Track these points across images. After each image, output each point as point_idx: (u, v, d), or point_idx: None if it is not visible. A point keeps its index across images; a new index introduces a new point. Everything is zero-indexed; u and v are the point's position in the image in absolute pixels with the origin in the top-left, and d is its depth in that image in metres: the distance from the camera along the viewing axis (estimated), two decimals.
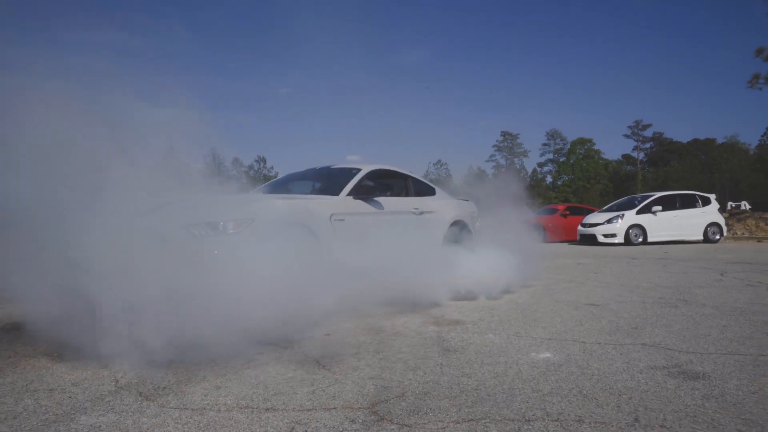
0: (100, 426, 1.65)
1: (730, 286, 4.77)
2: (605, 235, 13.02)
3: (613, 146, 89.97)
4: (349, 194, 4.49)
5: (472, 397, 1.87)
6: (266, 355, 2.47)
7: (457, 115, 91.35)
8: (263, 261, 2.89)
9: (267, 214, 3.55)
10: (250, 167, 59.32)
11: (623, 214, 13.06)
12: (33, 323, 2.70)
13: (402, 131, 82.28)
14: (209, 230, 3.17)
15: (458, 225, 5.66)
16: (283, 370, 2.24)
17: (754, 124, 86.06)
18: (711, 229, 13.27)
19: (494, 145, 66.52)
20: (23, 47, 2.84)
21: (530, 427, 1.61)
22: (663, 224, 12.98)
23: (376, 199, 4.64)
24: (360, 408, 1.78)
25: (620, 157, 65.86)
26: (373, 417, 1.70)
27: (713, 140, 58.22)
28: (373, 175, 4.96)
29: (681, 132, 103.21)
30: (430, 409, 1.76)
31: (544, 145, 65.69)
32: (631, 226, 12.89)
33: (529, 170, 65.86)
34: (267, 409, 1.77)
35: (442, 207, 5.55)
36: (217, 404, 1.83)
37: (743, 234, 17.24)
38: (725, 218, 14.85)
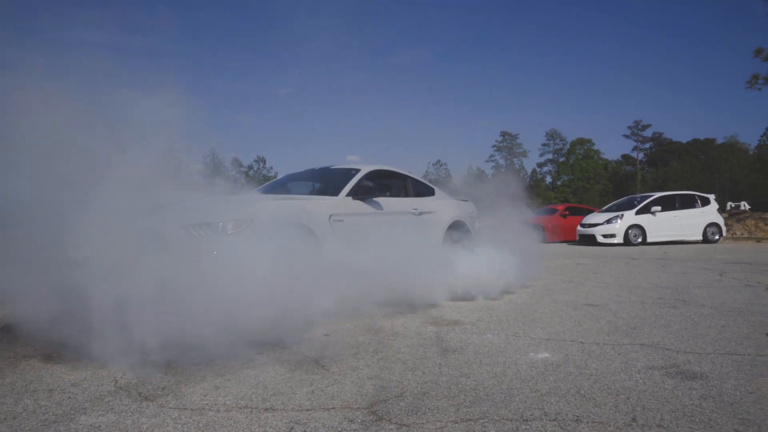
0: (100, 426, 1.65)
1: (728, 287, 4.78)
2: (604, 236, 13.03)
3: (613, 146, 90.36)
4: (348, 195, 4.49)
5: (471, 397, 1.88)
6: (265, 356, 2.48)
7: (457, 115, 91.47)
8: (262, 261, 2.89)
9: (266, 214, 3.55)
10: (250, 167, 59.33)
11: (622, 215, 13.07)
12: (32, 324, 2.70)
13: (401, 131, 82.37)
14: (208, 231, 3.18)
15: (457, 225, 5.67)
16: (282, 370, 2.25)
17: (753, 124, 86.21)
18: (710, 230, 13.28)
19: (494, 146, 66.62)
20: (22, 47, 2.84)
21: (528, 426, 1.61)
22: (662, 224, 12.99)
23: (375, 199, 4.65)
24: (359, 408, 1.79)
25: (620, 158, 65.95)
26: (371, 417, 1.70)
27: (713, 140, 58.27)
28: (372, 175, 4.97)
29: (680, 132, 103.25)
30: (429, 409, 1.77)
31: (544, 145, 65.78)
32: (631, 227, 12.90)
33: (529, 170, 65.94)
34: (266, 409, 1.78)
35: (441, 207, 5.55)
36: (216, 404, 1.84)
37: (742, 234, 17.25)
38: (724, 218, 14.87)
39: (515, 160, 66.14)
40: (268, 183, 5.97)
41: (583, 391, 1.93)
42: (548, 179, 64.76)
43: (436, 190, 5.83)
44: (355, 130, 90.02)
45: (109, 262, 2.48)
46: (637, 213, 13.07)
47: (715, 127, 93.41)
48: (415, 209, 5.16)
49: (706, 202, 13.57)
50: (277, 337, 2.76)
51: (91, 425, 1.66)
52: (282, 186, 5.40)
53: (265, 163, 60.18)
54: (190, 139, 3.65)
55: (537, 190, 55.44)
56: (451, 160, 58.51)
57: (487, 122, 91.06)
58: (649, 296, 4.26)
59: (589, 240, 13.45)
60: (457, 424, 1.63)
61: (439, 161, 60.29)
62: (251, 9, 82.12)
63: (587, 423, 1.63)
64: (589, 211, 16.21)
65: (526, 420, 1.66)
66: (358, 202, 4.50)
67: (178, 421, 1.68)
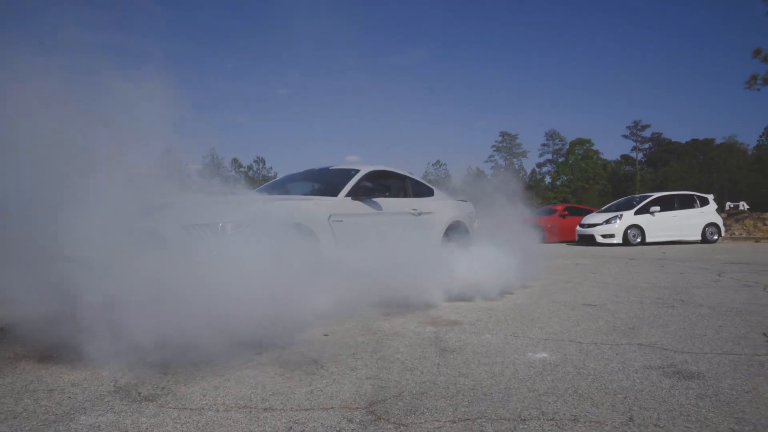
0: (100, 426, 1.66)
1: (726, 287, 4.79)
2: (604, 236, 13.06)
3: (612, 147, 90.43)
4: (347, 195, 4.50)
5: (469, 397, 1.89)
6: (265, 356, 2.48)
7: (456, 116, 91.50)
8: (262, 262, 2.90)
9: (266, 215, 3.56)
10: (249, 168, 59.33)
11: (621, 215, 13.09)
12: (31, 324, 2.71)
13: (401, 131, 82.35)
14: (208, 231, 3.19)
15: (456, 226, 5.68)
16: (281, 370, 2.26)
17: (752, 124, 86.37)
18: (709, 230, 13.31)
19: (493, 146, 66.69)
20: (20, 46, 2.84)
21: (526, 426, 1.62)
22: (661, 225, 13.01)
23: (374, 200, 4.66)
24: (357, 408, 1.80)
25: (619, 158, 66.04)
26: (370, 417, 1.71)
27: (712, 140, 58.34)
28: (372, 176, 4.98)
29: (680, 132, 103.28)
30: (427, 408, 1.78)
31: (543, 145, 65.88)
32: (630, 227, 12.92)
33: (528, 171, 65.99)
34: (265, 409, 1.79)
35: (440, 208, 5.56)
36: (215, 404, 1.84)
37: (741, 234, 17.28)
38: (723, 218, 14.90)
39: (515, 160, 66.21)
40: (267, 183, 5.97)
41: (580, 391, 1.94)
42: (547, 179, 64.83)
43: (436, 190, 5.84)
44: (355, 130, 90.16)
45: (108, 263, 2.49)
46: (636, 213, 13.09)
47: (714, 128, 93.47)
48: (415, 210, 5.17)
49: (704, 202, 13.60)
50: (277, 337, 2.77)
51: (90, 425, 1.67)
52: (281, 186, 5.41)
53: (264, 164, 60.20)
54: (189, 140, 3.66)
55: (536, 190, 55.47)
56: (450, 160, 58.55)
57: (486, 122, 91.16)
58: (648, 296, 4.27)
59: (588, 240, 13.47)
60: (455, 424, 1.64)
61: (438, 161, 60.36)
62: (251, 9, 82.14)
63: (584, 422, 1.64)
64: (588, 212, 16.23)
65: (524, 419, 1.67)
66: (358, 203, 4.51)
67: (178, 421, 1.69)
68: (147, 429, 1.63)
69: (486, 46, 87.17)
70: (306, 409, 1.78)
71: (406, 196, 5.36)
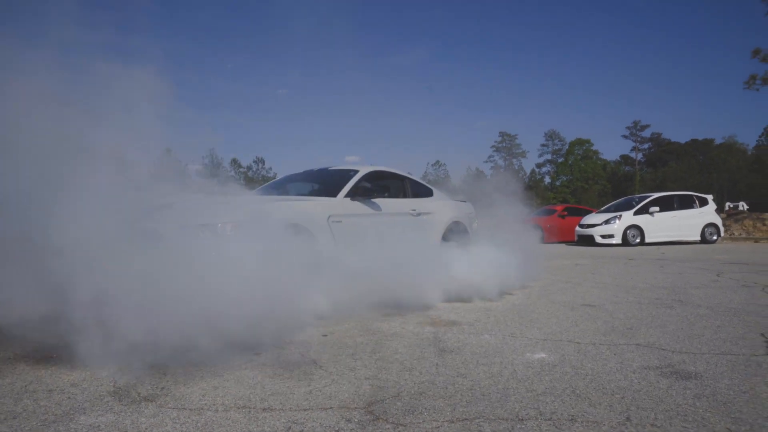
0: (99, 426, 1.67)
1: (725, 287, 4.80)
2: (603, 236, 13.07)
3: (612, 147, 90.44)
4: (346, 196, 4.51)
5: (467, 397, 1.89)
6: (264, 356, 2.49)
7: (456, 116, 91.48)
8: (261, 262, 2.91)
9: (266, 215, 3.57)
10: (249, 168, 59.32)
11: (621, 215, 13.11)
12: (30, 324, 2.72)
13: (401, 131, 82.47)
14: (207, 232, 3.20)
15: (456, 226, 5.69)
16: (280, 370, 2.26)
17: (751, 124, 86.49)
18: (708, 230, 13.32)
19: (492, 146, 66.70)
20: (20, 45, 2.85)
21: (523, 426, 1.63)
22: (660, 225, 13.03)
23: (373, 200, 4.67)
24: (356, 408, 1.80)
25: (618, 158, 66.07)
26: (368, 416, 1.72)
27: (711, 141, 58.36)
28: (371, 176, 4.99)
29: (679, 132, 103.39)
30: (425, 408, 1.79)
31: (543, 145, 65.90)
32: (629, 227, 12.94)
33: (528, 171, 66.03)
34: (264, 409, 1.79)
35: (439, 208, 5.57)
36: (214, 404, 1.85)
37: (740, 234, 17.30)
38: (722, 219, 14.91)
39: (514, 160, 66.23)
40: (267, 184, 5.98)
41: (578, 391, 1.94)
42: (547, 180, 64.87)
43: (435, 190, 5.85)
44: (355, 130, 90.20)
45: (106, 263, 2.49)
46: (636, 213, 13.11)
47: (713, 128, 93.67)
48: (414, 210, 5.18)
49: (704, 202, 13.62)
50: (276, 337, 2.78)
51: (90, 425, 1.67)
52: (281, 187, 5.41)
53: (264, 164, 60.19)
54: (189, 140, 3.67)
55: (536, 190, 55.49)
56: (450, 160, 58.62)
57: (486, 122, 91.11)
58: (646, 297, 4.28)
59: (588, 240, 13.48)
60: (453, 424, 1.65)
61: (438, 162, 60.39)
62: (250, 9, 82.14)
63: (582, 422, 1.65)
64: (588, 212, 16.25)
65: (522, 419, 1.68)
66: (357, 203, 4.52)
67: (177, 421, 1.70)
68: (146, 429, 1.64)
69: (486, 46, 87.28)
70: (305, 409, 1.79)
71: (405, 196, 5.37)
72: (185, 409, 1.81)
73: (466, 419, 1.69)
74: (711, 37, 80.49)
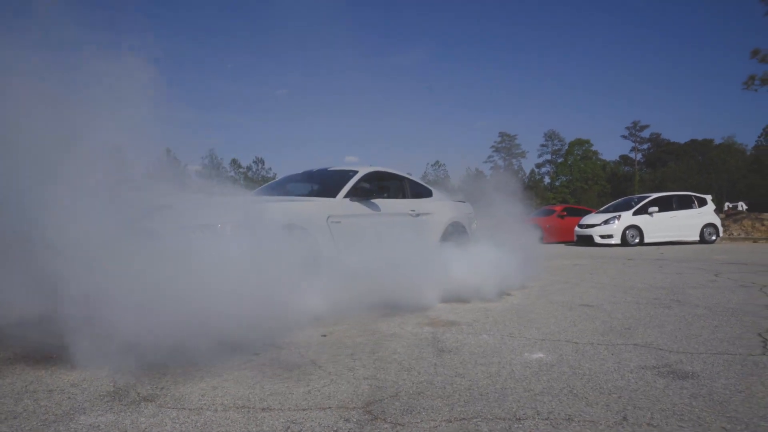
0: (99, 426, 1.68)
1: (723, 287, 4.82)
2: (602, 236, 13.08)
3: (611, 147, 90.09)
4: (346, 196, 4.52)
5: (465, 397, 1.90)
6: (263, 356, 2.50)
7: (456, 116, 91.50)
8: (260, 263, 2.92)
9: (265, 216, 3.58)
10: (249, 168, 59.32)
11: (620, 215, 13.13)
12: (30, 325, 2.73)
13: (400, 132, 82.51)
14: (206, 232, 3.20)
15: (455, 226, 5.70)
16: (279, 370, 2.27)
17: (751, 124, 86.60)
18: (707, 230, 13.34)
19: (492, 146, 66.72)
20: (19, 44, 2.86)
21: (520, 425, 1.64)
22: (659, 225, 13.05)
23: (372, 201, 4.68)
24: (354, 407, 1.81)
25: (618, 158, 66.09)
26: (367, 416, 1.73)
27: (710, 141, 58.38)
28: (370, 177, 5.00)
29: (678, 133, 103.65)
30: (423, 408, 1.80)
31: (542, 146, 65.90)
32: (628, 227, 12.95)
33: (527, 171, 66.06)
34: (263, 409, 1.80)
35: (438, 209, 5.58)
36: (214, 404, 1.86)
37: (739, 234, 17.32)
38: (721, 219, 14.94)
39: (514, 160, 66.26)
40: (266, 184, 5.99)
41: (575, 391, 1.96)
42: (546, 180, 64.91)
43: (434, 191, 5.86)
44: (355, 130, 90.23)
45: (106, 264, 2.50)
46: (635, 214, 13.13)
47: (713, 128, 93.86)
48: (413, 210, 5.19)
49: (703, 202, 13.64)
50: (275, 338, 2.80)
51: (90, 425, 1.68)
52: (280, 187, 5.42)
53: (263, 164, 60.18)
54: (188, 140, 3.68)
55: (535, 190, 55.52)
56: (449, 160, 58.64)
57: (485, 122, 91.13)
58: (645, 297, 4.30)
59: (587, 241, 13.50)
60: (450, 423, 1.66)
61: (437, 162, 60.42)
62: (250, 9, 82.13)
63: (579, 422, 1.66)
64: (587, 212, 16.26)
65: (519, 419, 1.69)
66: (356, 204, 4.53)
67: (177, 421, 1.71)
68: (146, 429, 1.65)
69: (486, 46, 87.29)
70: (303, 409, 1.80)
71: (404, 197, 5.38)
72: (185, 409, 1.82)
73: (463, 419, 1.70)
74: (710, 38, 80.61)
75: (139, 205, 3.06)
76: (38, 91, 2.87)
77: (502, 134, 66.21)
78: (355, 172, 4.89)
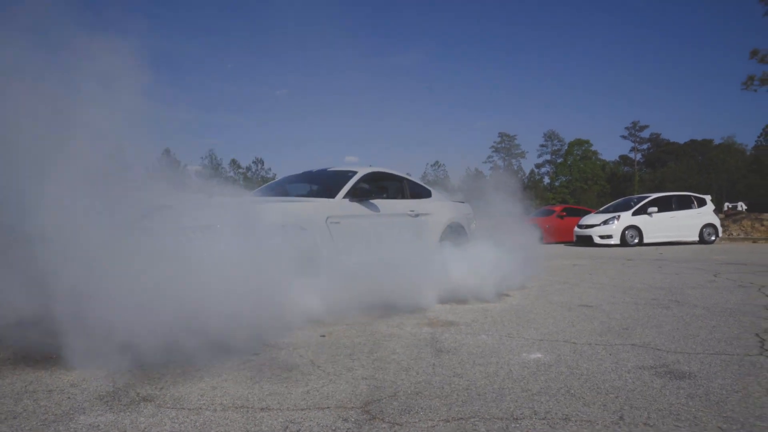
0: (99, 425, 1.69)
1: (722, 287, 4.83)
2: (601, 237, 13.09)
3: (611, 147, 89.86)
4: (345, 197, 4.53)
5: (463, 397, 1.91)
6: (262, 356, 2.51)
7: (455, 116, 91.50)
8: (260, 264, 2.93)
9: (264, 217, 3.59)
10: (248, 169, 59.34)
11: (619, 216, 13.13)
12: (30, 325, 2.73)
13: (400, 132, 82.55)
14: (205, 233, 3.21)
15: (454, 227, 5.71)
16: (278, 370, 2.28)
17: (751, 124, 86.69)
18: (706, 230, 13.35)
19: (492, 146, 66.73)
20: (18, 45, 2.87)
21: (518, 425, 1.65)
22: (659, 225, 13.06)
23: (372, 201, 4.69)
24: (353, 407, 1.82)
25: (617, 158, 66.12)
26: (365, 416, 1.74)
27: (710, 141, 58.41)
28: (369, 177, 5.01)
29: (678, 133, 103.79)
30: (421, 408, 1.81)
31: (542, 146, 65.93)
32: (627, 228, 12.96)
33: (527, 171, 66.09)
34: (262, 409, 1.81)
35: (438, 209, 5.59)
36: (213, 404, 1.87)
37: (738, 235, 17.33)
38: (721, 219, 14.95)
39: (513, 161, 66.28)
40: (266, 185, 6.00)
41: (573, 391, 1.97)
42: (546, 180, 64.93)
43: (433, 191, 5.87)
44: (354, 130, 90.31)
45: (105, 264, 2.51)
46: (634, 214, 13.13)
47: (712, 128, 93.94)
48: (412, 211, 5.20)
49: (702, 203, 13.65)
50: (274, 338, 2.80)
51: (90, 425, 1.69)
52: (280, 188, 5.43)
53: (263, 165, 60.21)
54: (188, 141, 3.69)
55: (535, 190, 55.53)
56: (449, 161, 58.67)
57: (485, 123, 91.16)
58: (643, 297, 4.31)
59: (586, 241, 13.50)
60: (448, 423, 1.67)
61: (437, 162, 60.43)
62: (250, 9, 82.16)
63: (575, 421, 1.67)
64: (587, 212, 16.27)
65: (516, 418, 1.70)
66: (355, 204, 4.54)
67: (176, 421, 1.72)
68: (145, 428, 1.66)
69: (485, 46, 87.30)
70: (302, 409, 1.81)
71: (403, 197, 5.39)
72: (184, 408, 1.83)
73: (461, 418, 1.71)
74: (710, 38, 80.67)
75: (138, 205, 3.07)
76: (33, 90, 2.87)
77: (501, 134, 66.26)
78: (354, 173, 4.90)
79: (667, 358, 2.40)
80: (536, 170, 66.13)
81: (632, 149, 65.46)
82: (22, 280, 2.73)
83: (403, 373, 2.22)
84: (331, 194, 4.53)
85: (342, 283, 3.59)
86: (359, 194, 4.58)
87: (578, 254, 10.36)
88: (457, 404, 1.84)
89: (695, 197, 13.85)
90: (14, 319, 2.86)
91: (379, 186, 5.23)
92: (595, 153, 61.60)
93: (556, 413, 1.74)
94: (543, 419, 1.69)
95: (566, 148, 62.55)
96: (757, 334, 2.87)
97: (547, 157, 65.63)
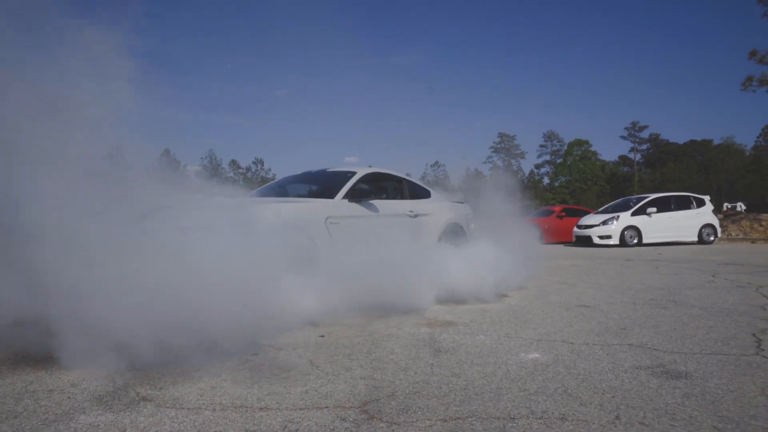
0: (99, 425, 1.70)
1: (720, 288, 4.84)
2: (600, 237, 13.11)
3: (610, 147, 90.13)
4: (344, 197, 4.54)
5: (460, 397, 1.93)
6: (261, 356, 2.52)
7: (455, 116, 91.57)
8: (260, 264, 2.94)
9: (264, 217, 3.60)
10: (248, 169, 59.34)
11: (618, 216, 13.15)
12: (30, 325, 2.75)
13: (400, 132, 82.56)
14: (206, 233, 3.22)
15: (453, 227, 5.72)
16: (277, 370, 2.29)
17: (750, 125, 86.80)
18: (705, 231, 13.37)
19: (491, 147, 66.76)
20: (18, 45, 2.89)
21: (514, 424, 1.66)
22: (658, 226, 13.08)
23: (371, 202, 4.70)
24: (351, 407, 1.84)
25: (617, 159, 66.20)
26: (363, 416, 1.75)
27: (710, 141, 58.53)
28: (368, 178, 5.02)
29: (678, 133, 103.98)
30: (419, 407, 1.82)
31: (541, 146, 66.00)
32: (626, 228, 12.98)
33: (527, 172, 66.12)
34: (261, 408, 1.83)
35: (437, 209, 5.61)
36: (212, 404, 1.88)
37: (738, 235, 17.36)
38: (720, 219, 14.97)
39: (513, 161, 66.30)
40: (265, 185, 6.02)
41: (570, 391, 1.98)
42: (546, 180, 64.96)
43: (432, 192, 5.88)
44: (354, 130, 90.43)
45: (105, 265, 2.52)
46: (633, 214, 13.15)
47: (712, 128, 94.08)
48: (411, 211, 5.21)
49: (701, 203, 13.68)
50: (274, 338, 2.82)
51: (90, 424, 1.70)
52: (279, 188, 5.45)
53: (263, 165, 60.22)
54: (188, 141, 3.70)
55: (534, 191, 55.55)
56: (449, 161, 58.67)
57: (484, 123, 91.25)
58: (641, 297, 4.32)
59: (586, 241, 13.52)
60: (446, 423, 1.69)
61: (437, 162, 60.45)
62: (250, 9, 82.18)
63: (572, 421, 1.68)
64: (586, 213, 16.29)
65: (513, 418, 1.71)
66: (354, 205, 4.55)
67: (175, 420, 1.73)
68: (145, 428, 1.67)
69: (485, 46, 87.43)
70: (300, 409, 1.82)
71: (402, 198, 5.41)
72: (183, 408, 1.84)
73: (458, 418, 1.72)
74: (709, 38, 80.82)
75: (138, 206, 3.08)
76: (33, 89, 2.88)
77: (501, 134, 66.30)
78: (354, 174, 4.91)
79: (664, 358, 2.41)
80: (536, 170, 66.22)
81: (632, 149, 65.56)
82: (21, 279, 2.74)
83: (402, 373, 2.24)
84: (331, 195, 4.54)
85: (341, 284, 3.60)
86: (358, 195, 4.59)
87: (577, 254, 10.38)
88: (455, 404, 1.85)
89: (694, 198, 13.88)
90: (14, 319, 2.87)
91: (379, 186, 5.24)
92: (594, 153, 61.69)
93: (552, 413, 1.75)
94: (540, 419, 1.71)
95: (566, 148, 62.61)
96: (753, 334, 2.88)
97: (547, 157, 65.72)
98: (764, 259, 8.20)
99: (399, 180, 5.54)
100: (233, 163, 58.87)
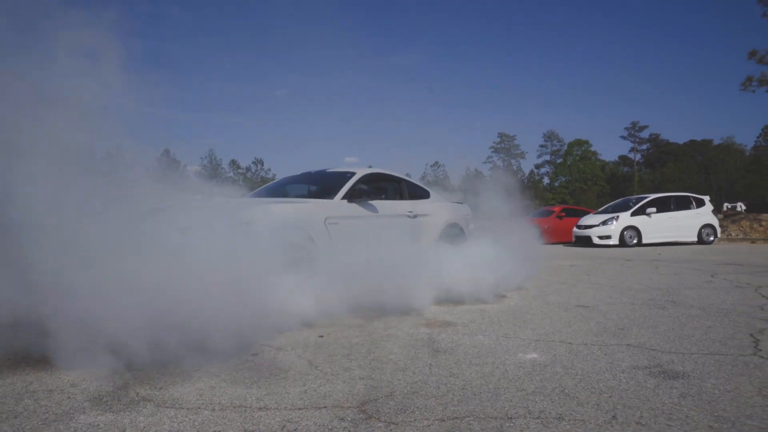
0: (98, 425, 1.71)
1: (719, 288, 4.85)
2: (600, 237, 13.12)
3: (610, 148, 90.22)
4: (343, 198, 4.56)
5: (458, 396, 1.94)
6: (261, 357, 2.53)
7: (455, 116, 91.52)
8: (259, 265, 2.95)
9: (265, 217, 3.61)
10: (248, 169, 59.36)
11: (618, 216, 13.16)
12: (29, 325, 2.75)
13: (400, 132, 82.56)
14: (206, 233, 3.23)
15: (452, 228, 5.73)
16: (276, 370, 2.30)
17: (750, 125, 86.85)
18: (705, 231, 13.38)
19: (491, 147, 66.76)
20: (18, 46, 2.89)
21: (512, 424, 1.67)
22: (657, 226, 13.09)
23: (370, 202, 4.72)
24: (349, 407, 1.85)
25: (617, 159, 66.22)
26: (361, 415, 1.76)
27: (710, 141, 58.54)
28: (368, 178, 5.03)
29: (677, 133, 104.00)
30: (417, 407, 1.83)
31: (541, 146, 66.00)
32: (626, 228, 12.99)
33: (526, 172, 66.13)
34: (260, 408, 1.84)
35: (436, 210, 5.62)
36: (211, 404, 1.89)
37: (737, 235, 17.37)
38: (720, 219, 14.98)
39: (513, 161, 66.30)
40: (265, 186, 6.03)
41: (567, 390, 1.99)
42: (546, 180, 64.97)
43: (431, 192, 5.89)
44: (354, 130, 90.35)
45: (105, 265, 2.53)
46: (633, 214, 13.16)
47: (712, 129, 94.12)
48: (410, 212, 5.22)
49: (700, 203, 13.69)
50: (273, 339, 2.83)
51: (90, 424, 1.71)
52: (279, 189, 5.46)
53: (263, 165, 60.24)
54: (188, 141, 3.71)
55: (534, 191, 55.55)
56: (449, 161, 58.69)
57: (484, 123, 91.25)
58: (640, 297, 4.33)
59: (585, 241, 13.53)
60: (443, 422, 1.69)
61: (437, 162, 60.45)
62: (250, 9, 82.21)
63: (569, 421, 1.69)
64: (586, 213, 16.30)
65: (511, 418, 1.72)
66: (354, 205, 4.56)
67: (175, 420, 1.74)
68: (144, 428, 1.68)
69: (485, 46, 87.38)
70: (299, 408, 1.83)
71: (401, 198, 5.42)
72: (182, 408, 1.85)
73: (456, 418, 1.73)
74: (709, 38, 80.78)
75: (138, 206, 3.09)
76: (31, 89, 2.89)
77: (501, 134, 66.29)
78: (353, 174, 4.92)
79: (662, 358, 2.42)
80: (536, 170, 66.22)
81: (632, 149, 65.57)
82: (20, 279, 2.75)
83: (400, 373, 2.25)
84: (330, 195, 4.55)
85: (340, 284, 3.61)
86: (358, 195, 4.60)
87: (577, 255, 10.39)
88: (453, 404, 1.86)
89: (694, 198, 13.89)
90: (14, 319, 2.88)
91: (378, 187, 5.25)
92: (594, 153, 61.69)
93: (550, 413, 1.76)
94: (537, 418, 1.71)
95: (566, 148, 62.61)
96: (751, 335, 2.89)
97: (547, 157, 65.72)
98: (764, 259, 8.21)
99: (398, 180, 5.55)
100: (233, 163, 58.93)
